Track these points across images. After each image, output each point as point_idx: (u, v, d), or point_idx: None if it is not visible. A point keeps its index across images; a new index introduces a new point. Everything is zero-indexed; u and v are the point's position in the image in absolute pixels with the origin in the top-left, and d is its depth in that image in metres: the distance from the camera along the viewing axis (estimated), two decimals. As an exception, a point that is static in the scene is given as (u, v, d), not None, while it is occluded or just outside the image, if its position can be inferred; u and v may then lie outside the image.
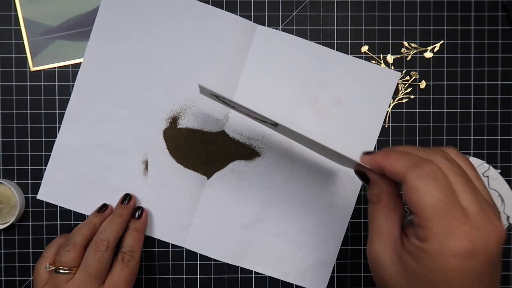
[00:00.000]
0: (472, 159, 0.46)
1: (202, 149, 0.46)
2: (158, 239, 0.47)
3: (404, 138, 0.48)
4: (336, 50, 0.47)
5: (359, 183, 0.47)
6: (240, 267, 0.47)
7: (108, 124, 0.46)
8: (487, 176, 0.46)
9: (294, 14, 0.47)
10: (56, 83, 0.47)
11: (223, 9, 0.47)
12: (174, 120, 0.46)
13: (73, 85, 0.47)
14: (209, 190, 0.47)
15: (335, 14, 0.47)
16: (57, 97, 0.47)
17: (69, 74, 0.47)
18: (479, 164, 0.46)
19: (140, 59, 0.46)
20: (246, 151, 0.47)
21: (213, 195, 0.47)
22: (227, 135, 0.46)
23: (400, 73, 0.47)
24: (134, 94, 0.46)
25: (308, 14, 0.47)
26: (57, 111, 0.47)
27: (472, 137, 0.48)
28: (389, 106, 0.47)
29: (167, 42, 0.46)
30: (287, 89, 0.46)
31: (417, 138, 0.48)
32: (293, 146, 0.47)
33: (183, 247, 0.47)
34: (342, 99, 0.46)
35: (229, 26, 0.46)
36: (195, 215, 0.47)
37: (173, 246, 0.47)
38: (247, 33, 0.46)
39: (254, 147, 0.47)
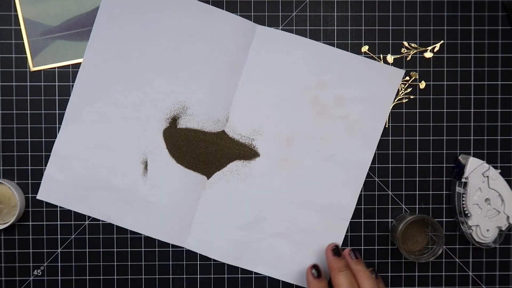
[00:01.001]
0: (472, 159, 0.46)
1: (202, 149, 0.46)
2: (158, 239, 0.47)
3: (404, 138, 0.48)
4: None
5: (359, 184, 0.47)
6: (240, 268, 0.47)
7: (108, 124, 0.46)
8: (487, 176, 0.46)
9: (294, 14, 0.47)
10: (56, 83, 0.47)
11: (223, 9, 0.47)
12: (174, 120, 0.46)
13: (73, 85, 0.47)
14: (209, 191, 0.47)
15: (335, 14, 0.47)
16: (57, 97, 0.47)
17: (69, 74, 0.47)
18: (479, 164, 0.46)
19: (140, 59, 0.46)
20: (246, 152, 0.47)
21: (213, 195, 0.47)
22: (227, 135, 0.46)
23: (403, 70, 0.47)
24: (134, 94, 0.46)
25: (308, 14, 0.47)
26: (57, 111, 0.47)
27: (472, 137, 0.48)
28: (389, 108, 0.47)
29: (167, 42, 0.46)
30: (287, 88, 0.46)
31: (417, 138, 0.48)
32: (292, 147, 0.47)
33: (183, 247, 0.47)
34: (343, 98, 0.46)
35: (229, 26, 0.46)
36: (195, 216, 0.47)
37: (173, 246, 0.47)
38: (247, 33, 0.46)
39: (254, 147, 0.46)
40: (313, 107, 0.46)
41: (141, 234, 0.47)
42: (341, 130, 0.46)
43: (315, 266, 0.45)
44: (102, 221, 0.47)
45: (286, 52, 0.46)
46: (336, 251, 0.44)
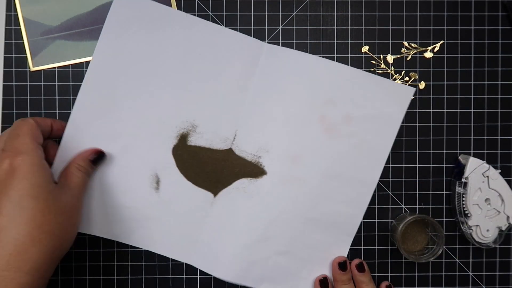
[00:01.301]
0: (472, 159, 0.46)
1: (210, 167, 0.46)
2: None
3: (404, 138, 0.48)
4: (336, 50, 0.47)
5: (365, 200, 0.46)
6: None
7: (115, 141, 0.45)
8: (487, 176, 0.46)
9: (294, 14, 0.47)
10: (56, 83, 0.47)
11: (223, 11, 0.47)
12: (182, 138, 0.46)
13: (73, 85, 0.47)
14: (215, 208, 0.46)
15: (335, 14, 0.47)
16: (57, 97, 0.47)
17: (69, 74, 0.47)
18: (479, 164, 0.46)
19: (148, 76, 0.46)
20: (252, 169, 0.46)
21: (219, 212, 0.46)
22: (234, 153, 0.46)
23: (415, 88, 0.47)
24: (142, 111, 0.46)
25: (308, 14, 0.47)
26: (57, 111, 0.47)
27: (472, 137, 0.48)
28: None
29: (175, 59, 0.46)
30: (294, 105, 0.45)
31: (417, 138, 0.48)
32: (299, 165, 0.46)
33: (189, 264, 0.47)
34: (352, 116, 0.45)
35: (237, 44, 0.46)
36: (201, 233, 0.46)
37: (173, 246, 0.47)
38: (255, 51, 0.46)
39: (261, 165, 0.46)
40: (321, 125, 0.45)
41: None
42: (349, 148, 0.45)
43: (324, 278, 0.45)
44: (102, 221, 0.47)
45: (294, 69, 0.45)
46: (342, 265, 0.45)
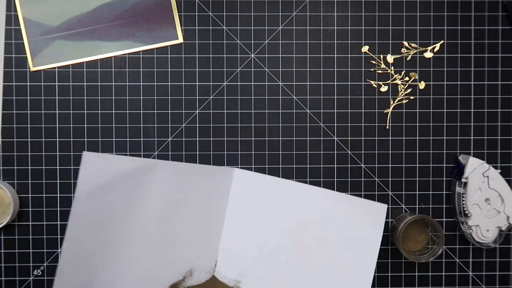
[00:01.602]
0: (472, 159, 0.46)
1: None
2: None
3: (404, 138, 0.48)
4: (336, 50, 0.47)
5: None
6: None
7: None
8: (487, 176, 0.46)
9: (294, 14, 0.47)
10: (56, 83, 0.47)
11: (223, 11, 0.47)
12: (173, 286, 0.45)
13: (73, 85, 0.47)
14: None
15: (335, 14, 0.47)
16: (57, 97, 0.47)
17: (69, 74, 0.47)
18: (479, 164, 0.46)
19: (129, 237, 0.44)
20: None
21: None
22: (217, 280, 0.46)
23: (387, 204, 0.45)
24: (126, 274, 0.44)
25: (308, 14, 0.47)
26: (57, 111, 0.47)
27: (472, 137, 0.48)
28: (390, 108, 0.47)
29: (153, 210, 0.44)
30: (269, 230, 0.45)
31: (417, 138, 0.48)
32: None
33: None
34: (325, 239, 0.44)
35: (208, 177, 0.45)
36: None
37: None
38: (226, 179, 0.46)
39: None
40: (296, 249, 0.45)
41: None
42: (328, 276, 0.44)
43: None
44: (102, 221, 0.47)
45: (265, 194, 0.46)
46: None
